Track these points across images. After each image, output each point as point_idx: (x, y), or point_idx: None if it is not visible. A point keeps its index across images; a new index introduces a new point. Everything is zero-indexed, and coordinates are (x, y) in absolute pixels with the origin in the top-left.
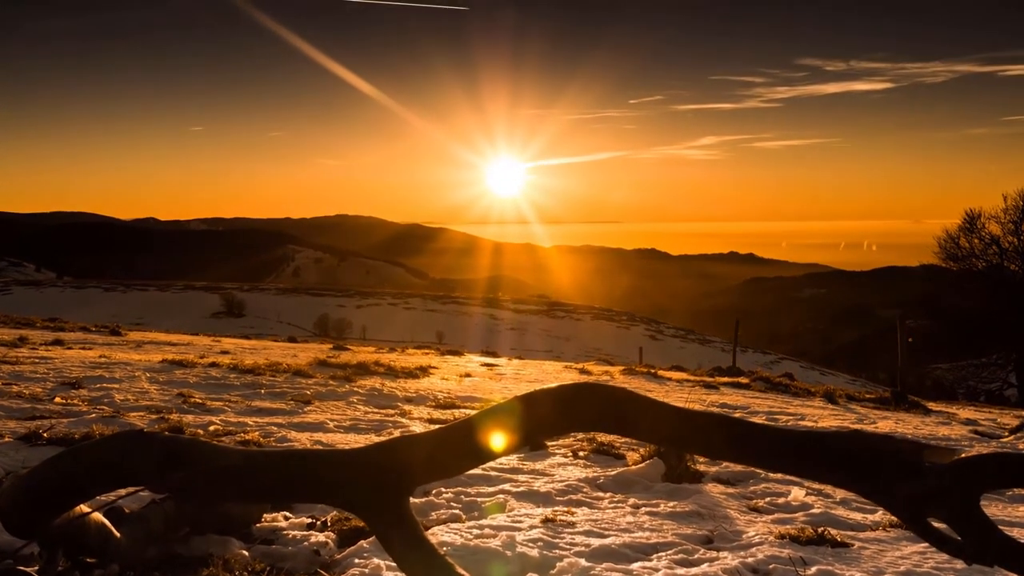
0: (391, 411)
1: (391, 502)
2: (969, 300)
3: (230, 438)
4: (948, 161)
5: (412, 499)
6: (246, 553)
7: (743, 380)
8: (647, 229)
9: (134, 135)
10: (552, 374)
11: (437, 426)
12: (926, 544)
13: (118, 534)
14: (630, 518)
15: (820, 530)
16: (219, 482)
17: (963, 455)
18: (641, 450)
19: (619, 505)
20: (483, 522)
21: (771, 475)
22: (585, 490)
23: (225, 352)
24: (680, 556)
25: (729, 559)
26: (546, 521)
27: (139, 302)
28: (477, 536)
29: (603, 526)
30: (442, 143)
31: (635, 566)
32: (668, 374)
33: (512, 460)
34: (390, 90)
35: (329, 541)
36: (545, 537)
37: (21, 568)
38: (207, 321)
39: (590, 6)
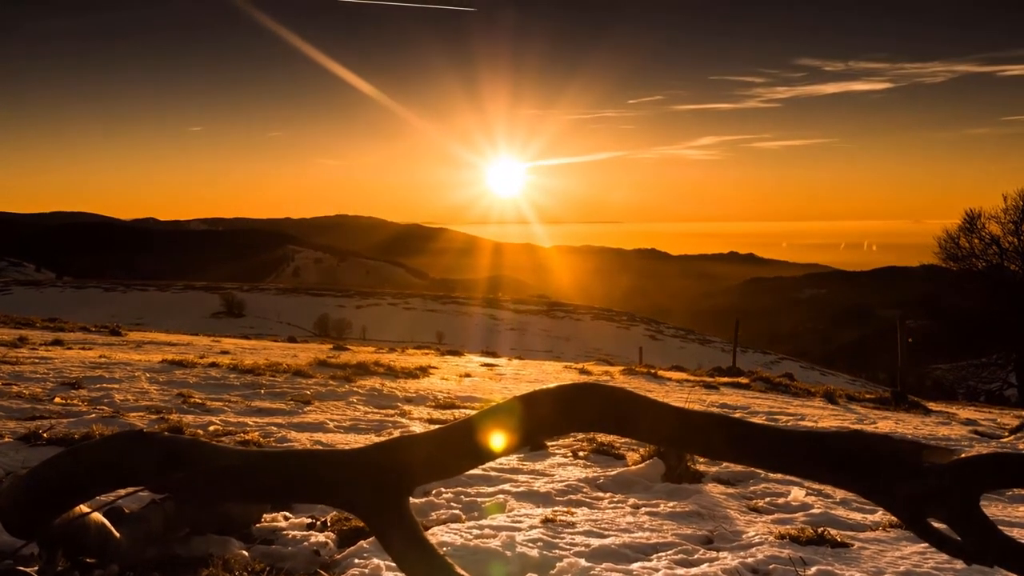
0: (391, 411)
1: (391, 502)
2: (969, 300)
3: (230, 438)
4: (948, 161)
5: (412, 499)
6: (246, 553)
7: (743, 380)
8: (647, 229)
9: (134, 135)
10: (552, 374)
11: (437, 426)
12: (926, 544)
13: (118, 534)
14: (630, 518)
15: (820, 530)
16: (219, 482)
17: (963, 455)
18: (641, 450)
19: (619, 505)
20: (483, 522)
21: (771, 475)
22: (585, 490)
23: (225, 352)
24: (680, 556)
25: (729, 559)
26: (546, 521)
27: (139, 302)
28: (477, 536)
29: (603, 526)
30: (442, 143)
31: (635, 566)
32: (668, 374)
33: (512, 460)
34: (390, 90)
35: (329, 541)
36: (545, 537)
37: (21, 568)
38: (207, 321)
39: (589, 6)
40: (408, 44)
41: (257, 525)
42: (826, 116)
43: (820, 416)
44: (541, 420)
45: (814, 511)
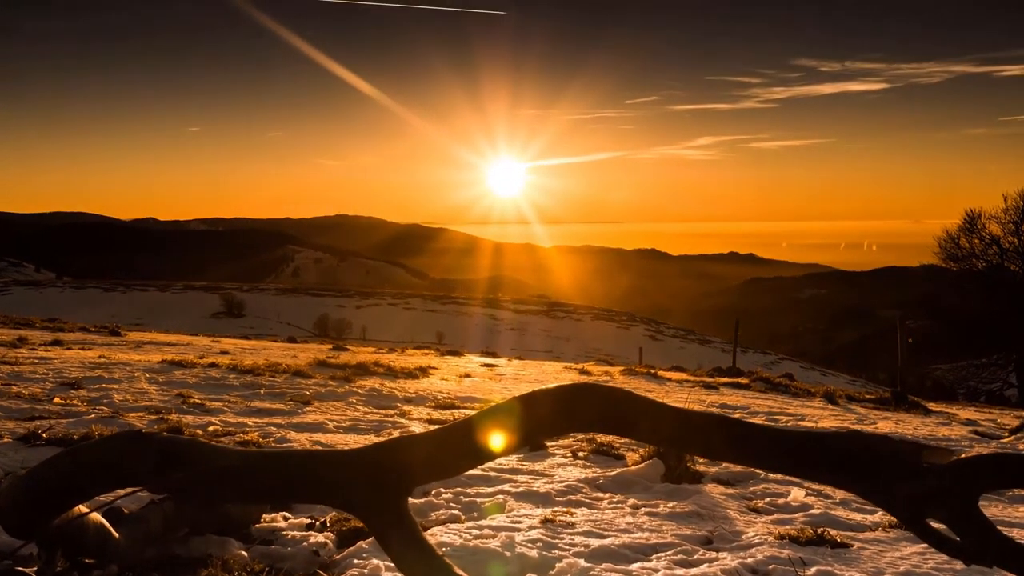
0: (390, 411)
1: (390, 502)
2: (969, 300)
3: (229, 438)
4: (947, 161)
5: (411, 500)
6: (245, 554)
7: (743, 380)
8: (647, 229)
9: (134, 135)
10: (552, 374)
11: (436, 426)
12: (925, 545)
13: (117, 535)
14: (629, 519)
15: (820, 531)
16: (218, 483)
17: (962, 455)
18: (640, 450)
19: (618, 506)
20: (482, 522)
21: (771, 476)
22: (584, 490)
23: (224, 352)
24: (679, 557)
25: (728, 560)
26: (545, 522)
27: (138, 302)
28: (476, 537)
29: (602, 527)
30: (442, 143)
31: (634, 567)
32: (668, 374)
33: (511, 460)
34: (390, 90)
35: (328, 541)
36: (544, 538)
37: (20, 568)
38: (207, 321)
39: (589, 7)
40: (408, 44)
41: (256, 525)
42: (824, 116)
43: (820, 416)
44: (541, 420)
45: (814, 511)
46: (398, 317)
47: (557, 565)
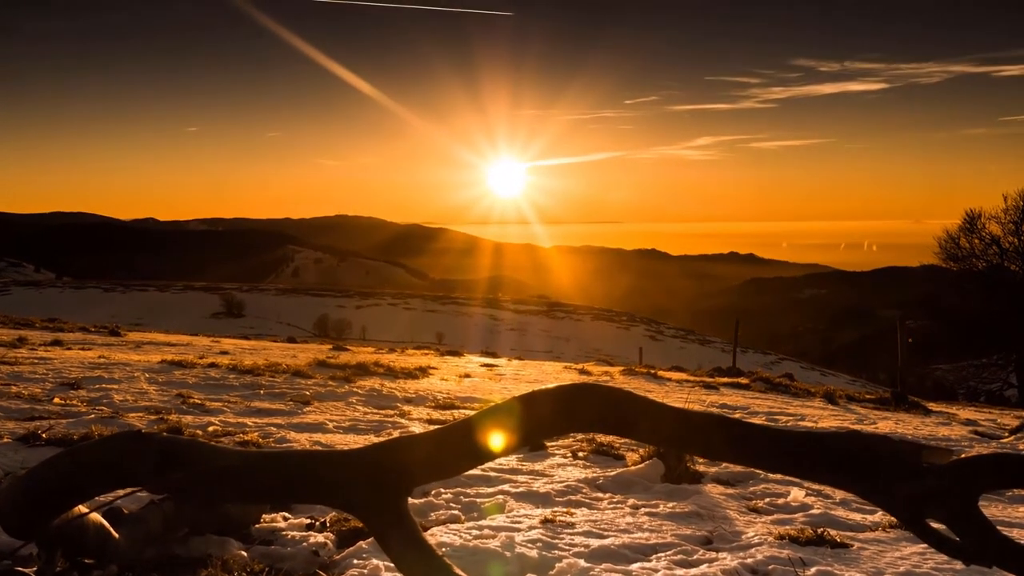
0: (390, 412)
1: (390, 502)
2: (969, 300)
3: (229, 439)
4: (946, 161)
5: (411, 500)
6: (245, 554)
7: (743, 380)
8: (647, 229)
9: (134, 135)
10: (552, 374)
11: (436, 427)
12: (925, 545)
13: (116, 535)
14: (629, 519)
15: (819, 531)
16: (218, 483)
17: (962, 456)
18: (640, 451)
19: (618, 506)
20: (482, 523)
21: (771, 476)
22: (584, 491)
23: (224, 353)
24: (679, 557)
25: (728, 560)
26: (545, 522)
27: (138, 302)
28: (476, 537)
29: (602, 527)
30: (442, 143)
31: (634, 567)
32: (668, 374)
33: (511, 461)
34: (390, 90)
35: (328, 542)
36: (544, 538)
37: (19, 569)
38: (206, 321)
39: (588, 7)
40: (408, 44)
41: (256, 526)
42: (823, 116)
43: (820, 416)
44: (540, 420)
45: (814, 511)
46: (398, 317)
47: (557, 565)
